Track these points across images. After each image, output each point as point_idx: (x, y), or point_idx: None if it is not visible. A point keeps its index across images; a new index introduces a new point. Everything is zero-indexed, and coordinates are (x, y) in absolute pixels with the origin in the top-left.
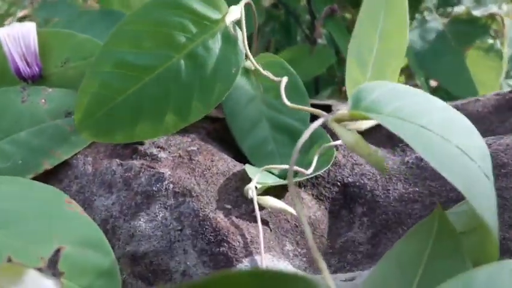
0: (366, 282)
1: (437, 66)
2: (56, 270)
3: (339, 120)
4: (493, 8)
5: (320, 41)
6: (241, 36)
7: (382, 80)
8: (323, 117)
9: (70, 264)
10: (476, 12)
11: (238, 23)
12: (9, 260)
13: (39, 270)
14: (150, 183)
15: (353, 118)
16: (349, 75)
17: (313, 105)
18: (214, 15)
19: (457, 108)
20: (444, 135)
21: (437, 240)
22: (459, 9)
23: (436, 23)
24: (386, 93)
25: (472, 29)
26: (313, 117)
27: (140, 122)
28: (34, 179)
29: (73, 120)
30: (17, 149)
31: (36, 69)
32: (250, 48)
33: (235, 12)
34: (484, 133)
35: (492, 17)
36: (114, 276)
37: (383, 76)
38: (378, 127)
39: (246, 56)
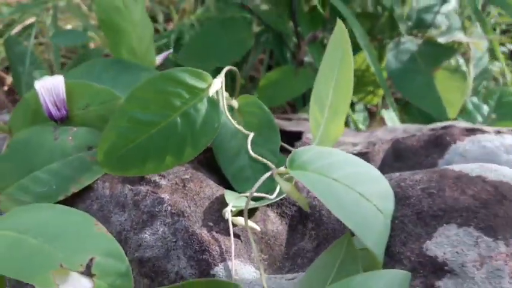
0: (299, 282)
1: (409, 86)
2: (90, 273)
3: (281, 174)
4: (458, 35)
5: (306, 59)
6: (222, 100)
7: (335, 119)
8: (271, 171)
9: (100, 269)
10: (441, 40)
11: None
12: (61, 266)
13: (80, 273)
14: (154, 205)
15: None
16: (312, 115)
17: (286, 132)
18: (201, 85)
19: (398, 141)
20: (350, 184)
21: (344, 256)
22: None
23: (410, 44)
24: (313, 155)
25: (440, 51)
26: (288, 139)
27: (147, 162)
28: (64, 200)
29: (93, 152)
30: (51, 177)
31: (64, 112)
32: (234, 90)
33: (217, 83)
34: (413, 166)
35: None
36: (129, 276)
37: (335, 116)
38: None
39: (231, 98)
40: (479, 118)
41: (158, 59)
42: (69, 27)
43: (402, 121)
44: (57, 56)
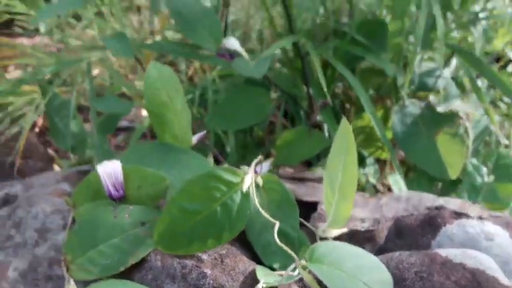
0: None
1: (413, 148)
2: None
3: (304, 267)
4: (456, 104)
5: (319, 117)
6: (251, 191)
7: (344, 202)
8: (294, 263)
9: None
10: (440, 109)
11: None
12: None
13: None
14: (198, 278)
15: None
16: (325, 194)
17: (302, 203)
18: (236, 180)
19: (399, 220)
20: (357, 275)
21: None
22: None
23: (413, 108)
24: (327, 249)
25: (440, 117)
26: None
27: (193, 244)
28: (123, 270)
29: (146, 228)
30: (113, 250)
31: (121, 192)
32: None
33: (248, 179)
34: (411, 245)
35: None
36: None
37: (344, 200)
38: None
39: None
40: (479, 179)
41: (194, 139)
42: (96, 71)
43: (408, 178)
44: (94, 117)
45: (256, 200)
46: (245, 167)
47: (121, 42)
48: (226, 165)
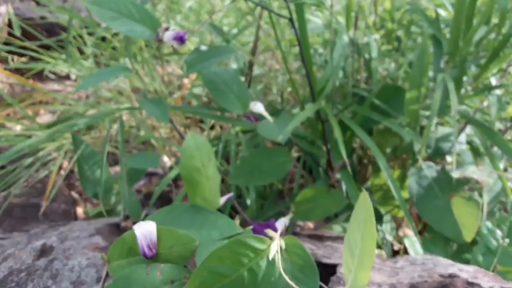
0: None
1: (428, 210)
2: None
3: None
4: (470, 170)
5: (338, 175)
6: (277, 258)
7: (362, 270)
8: None
9: None
10: (455, 175)
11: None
12: None
13: None
14: None
15: None
16: (345, 261)
17: (321, 264)
18: (262, 247)
19: (413, 285)
20: None
21: None
22: (448, 160)
23: (429, 171)
24: None
25: (455, 181)
26: (324, 272)
27: None
28: None
29: (177, 286)
30: None
31: (154, 251)
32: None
33: (274, 247)
34: None
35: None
36: None
37: (363, 264)
38: None
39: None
40: (494, 242)
41: (222, 200)
42: (124, 117)
43: (424, 238)
44: (123, 170)
45: (280, 265)
46: (270, 232)
47: (158, 106)
48: (251, 233)
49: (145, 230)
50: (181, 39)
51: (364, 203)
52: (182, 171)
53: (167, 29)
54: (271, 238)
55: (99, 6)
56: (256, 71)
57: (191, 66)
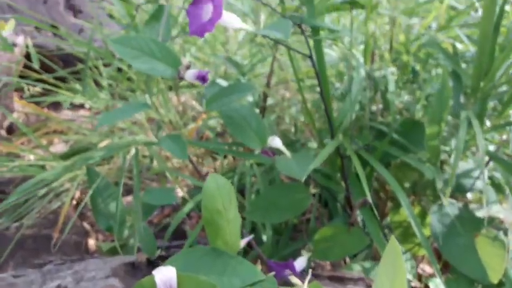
0: None
1: (451, 249)
2: None
3: None
4: (494, 209)
5: (358, 214)
6: None
7: None
8: None
9: None
10: (479, 214)
11: None
12: None
13: None
14: None
15: None
16: None
17: None
18: None
19: None
20: None
21: None
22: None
23: (451, 208)
24: None
25: (479, 219)
26: None
27: None
28: None
29: None
30: None
31: None
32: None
33: None
34: None
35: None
36: None
37: None
38: None
39: None
40: None
41: (242, 242)
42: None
43: (448, 279)
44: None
45: None
46: (293, 278)
47: (176, 143)
48: (273, 280)
49: (165, 277)
50: (203, 79)
51: (393, 250)
52: (203, 213)
53: (188, 67)
54: (293, 285)
55: (121, 45)
56: (269, 101)
57: (211, 103)
